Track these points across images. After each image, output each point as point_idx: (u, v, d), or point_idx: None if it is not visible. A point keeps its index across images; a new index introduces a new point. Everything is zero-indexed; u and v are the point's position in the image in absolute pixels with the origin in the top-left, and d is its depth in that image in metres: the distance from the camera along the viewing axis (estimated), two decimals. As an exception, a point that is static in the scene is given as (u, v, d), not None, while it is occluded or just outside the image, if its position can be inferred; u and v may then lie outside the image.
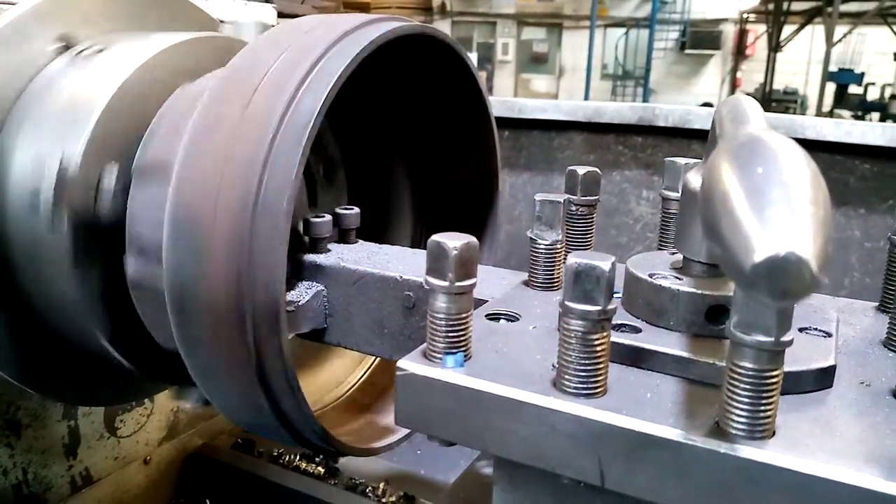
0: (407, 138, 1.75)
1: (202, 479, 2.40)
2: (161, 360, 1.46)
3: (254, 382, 1.15)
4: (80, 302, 1.34)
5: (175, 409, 2.35)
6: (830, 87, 19.80)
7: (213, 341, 1.14)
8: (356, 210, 1.45)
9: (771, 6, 22.08)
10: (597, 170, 1.14)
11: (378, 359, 1.76)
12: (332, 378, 1.76)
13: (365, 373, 1.79)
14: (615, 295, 0.92)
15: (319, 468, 2.37)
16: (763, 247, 0.47)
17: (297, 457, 2.41)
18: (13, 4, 1.50)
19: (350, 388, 1.77)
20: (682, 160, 1.09)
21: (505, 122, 3.67)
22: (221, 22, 1.92)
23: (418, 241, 1.83)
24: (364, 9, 22.17)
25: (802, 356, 0.79)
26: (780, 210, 0.48)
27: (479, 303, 1.05)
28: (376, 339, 1.30)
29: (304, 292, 1.32)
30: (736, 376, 0.65)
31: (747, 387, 0.65)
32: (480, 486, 1.06)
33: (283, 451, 2.43)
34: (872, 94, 20.67)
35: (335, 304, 1.33)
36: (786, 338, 0.63)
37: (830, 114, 19.68)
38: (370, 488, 2.30)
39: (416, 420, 0.81)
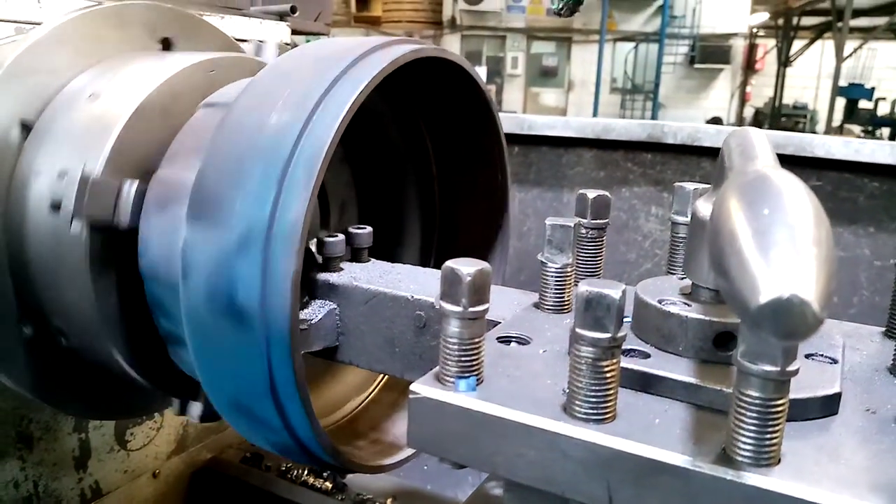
0: (417, 156, 1.77)
1: (210, 492, 2.41)
2: (174, 375, 1.48)
3: (266, 399, 1.17)
4: (94, 315, 1.36)
5: (184, 423, 2.36)
6: (840, 102, 19.78)
7: (226, 359, 1.16)
8: (369, 229, 1.47)
9: (781, 21, 22.12)
10: (607, 193, 1.15)
11: (387, 376, 1.77)
12: (342, 395, 1.77)
13: (374, 390, 1.80)
14: (625, 319, 0.94)
15: (327, 483, 2.38)
16: (767, 288, 0.48)
17: (305, 472, 2.42)
18: (38, 24, 1.53)
19: (360, 405, 1.78)
20: (691, 185, 1.10)
21: (514, 139, 3.70)
22: (240, 41, 1.96)
23: (428, 259, 1.84)
24: (375, 23, 22.31)
25: (808, 383, 0.80)
26: (784, 251, 0.50)
27: (491, 324, 1.07)
28: (387, 357, 1.31)
29: (316, 311, 1.33)
30: (742, 404, 0.66)
31: (753, 415, 0.66)
32: (490, 508, 1.08)
33: (291, 465, 2.44)
34: (883, 109, 20.63)
35: (347, 322, 1.34)
36: (791, 367, 0.64)
37: (840, 129, 19.67)
38: (378, 504, 2.31)
39: (428, 443, 0.82)
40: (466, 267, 0.80)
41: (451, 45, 22.93)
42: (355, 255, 1.45)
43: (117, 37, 1.59)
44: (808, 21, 21.88)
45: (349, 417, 1.76)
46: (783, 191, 0.55)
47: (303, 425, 1.19)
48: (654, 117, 21.28)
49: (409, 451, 1.51)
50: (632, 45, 23.26)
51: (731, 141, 0.79)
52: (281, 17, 2.46)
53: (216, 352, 1.15)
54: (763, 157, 0.70)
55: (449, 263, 0.81)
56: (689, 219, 1.08)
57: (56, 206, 1.33)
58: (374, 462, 1.47)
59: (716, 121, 21.42)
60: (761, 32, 23.77)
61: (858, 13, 18.47)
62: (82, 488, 2.05)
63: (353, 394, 1.80)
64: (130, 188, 1.33)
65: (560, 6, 1.83)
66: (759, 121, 22.34)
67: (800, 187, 0.56)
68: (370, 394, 1.82)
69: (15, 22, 1.66)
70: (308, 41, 2.53)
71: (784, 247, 0.50)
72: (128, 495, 2.20)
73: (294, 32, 2.57)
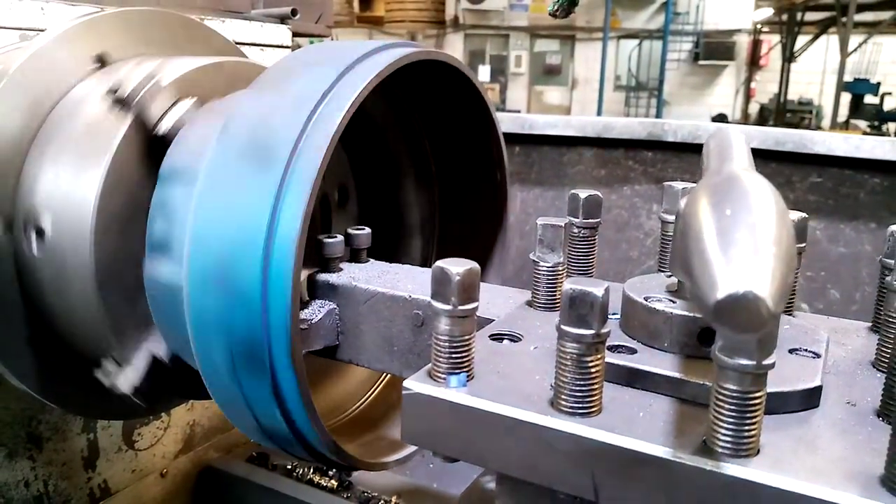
0: (417, 157, 1.80)
1: (217, 491, 2.44)
2: (179, 375, 1.51)
3: (268, 398, 1.20)
4: (99, 314, 1.39)
5: (191, 423, 2.40)
6: (846, 98, 19.70)
7: (228, 358, 1.19)
8: (367, 230, 1.49)
9: (785, 16, 22.06)
10: (598, 193, 1.18)
11: (389, 375, 1.80)
12: (344, 393, 1.80)
13: (377, 388, 1.83)
14: (613, 316, 0.96)
15: (332, 482, 2.41)
16: (725, 284, 0.51)
17: (311, 470, 2.44)
18: (42, 31, 1.56)
19: (362, 403, 1.81)
20: (679, 184, 1.12)
21: (515, 138, 3.72)
22: (240, 45, 1.99)
23: (429, 258, 1.87)
24: (378, 23, 22.33)
25: (790, 377, 0.82)
26: (743, 250, 0.52)
27: (485, 321, 1.09)
28: (386, 356, 1.34)
29: (316, 311, 1.36)
30: (721, 397, 0.69)
31: (732, 407, 0.69)
32: (485, 501, 1.10)
33: (296, 464, 2.46)
34: (889, 104, 20.53)
35: (347, 322, 1.37)
36: (767, 361, 0.66)
37: (846, 124, 19.61)
38: (382, 502, 2.34)
39: (421, 437, 0.85)
40: (455, 266, 0.82)
41: (455, 45, 22.93)
42: (354, 256, 1.48)
43: (120, 43, 1.62)
44: (812, 16, 21.80)
45: (352, 415, 1.79)
46: (749, 192, 0.58)
47: (304, 422, 1.22)
48: (658, 115, 21.25)
49: (410, 449, 1.54)
50: (635, 42, 23.22)
51: (711, 142, 0.82)
52: (282, 19, 2.49)
53: (217, 346, 1.18)
54: (738, 158, 0.72)
55: (439, 263, 0.84)
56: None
57: (114, 91, 1.38)
58: (377, 459, 1.49)
59: (721, 117, 21.38)
60: (765, 28, 23.69)
61: (863, 8, 18.41)
62: (91, 487, 2.08)
63: (356, 392, 1.83)
64: (186, 104, 1.42)
65: (555, 7, 1.86)
66: (764, 117, 22.30)
67: (766, 189, 0.58)
68: (373, 392, 1.85)
69: (19, 29, 1.69)
70: (312, 42, 2.56)
71: (743, 245, 0.53)
72: (136, 494, 2.23)
73: (295, 35, 2.59)
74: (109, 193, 1.36)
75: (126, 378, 1.43)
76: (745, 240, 0.53)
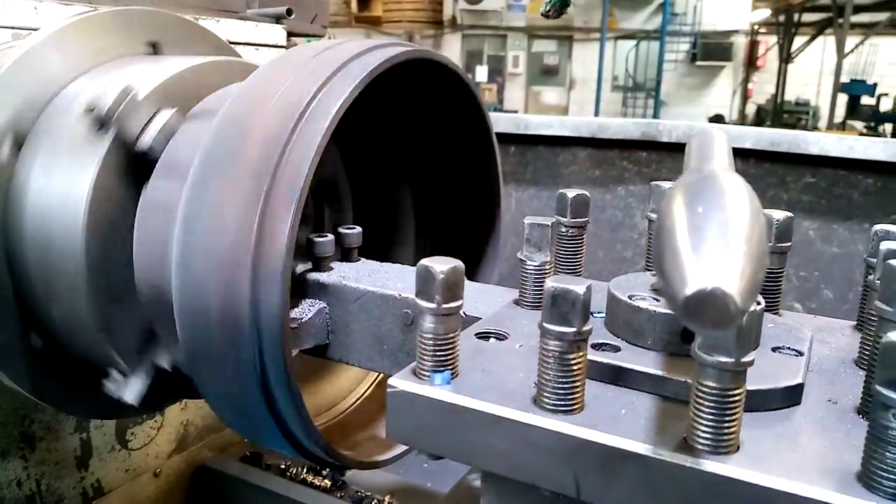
0: (410, 156, 1.80)
1: (211, 491, 2.45)
2: (171, 375, 1.51)
3: (259, 397, 1.20)
4: (87, 305, 1.39)
5: (185, 423, 2.40)
6: (842, 99, 19.74)
7: (219, 358, 1.19)
8: (358, 229, 1.50)
9: (782, 17, 22.10)
10: (586, 192, 1.18)
11: (380, 374, 1.80)
12: (336, 392, 1.80)
13: (369, 387, 1.84)
14: (599, 315, 0.97)
15: (326, 481, 2.41)
16: (694, 281, 0.52)
17: (304, 470, 2.45)
18: (35, 30, 1.57)
19: (354, 402, 1.81)
20: (666, 184, 1.13)
21: (511, 138, 3.73)
22: (235, 44, 1.99)
23: (423, 257, 1.87)
24: (375, 22, 22.33)
25: (772, 374, 0.83)
26: (713, 247, 0.53)
27: (473, 320, 1.10)
28: (376, 355, 1.34)
29: (307, 310, 1.37)
30: (701, 394, 0.69)
31: (711, 404, 0.69)
32: (471, 498, 1.11)
33: (290, 464, 2.47)
34: (885, 105, 20.56)
35: (337, 321, 1.37)
36: (746, 358, 0.67)
37: (843, 125, 19.64)
38: (376, 501, 2.34)
39: (406, 434, 0.86)
40: (440, 265, 0.83)
41: (452, 45, 22.93)
42: (345, 255, 1.48)
43: (114, 42, 1.62)
44: (809, 17, 21.85)
45: (345, 415, 1.79)
46: (723, 190, 0.58)
47: (296, 422, 1.23)
48: (655, 115, 21.26)
49: (403, 448, 1.54)
50: (633, 42, 23.23)
51: (693, 141, 0.83)
52: (277, 19, 2.50)
53: (208, 346, 1.18)
54: (718, 158, 0.73)
55: (423, 262, 0.84)
56: (664, 217, 1.11)
57: (91, 110, 1.37)
58: (369, 458, 1.50)
59: (718, 118, 21.39)
60: (762, 29, 23.72)
61: (859, 9, 18.45)
62: (84, 487, 2.08)
63: (348, 391, 1.83)
64: (165, 115, 1.39)
65: (547, 8, 1.87)
66: (761, 117, 22.33)
67: (740, 188, 0.59)
68: (365, 391, 1.85)
69: (12, 28, 1.69)
70: (309, 41, 2.56)
71: (714, 243, 0.53)
72: (129, 494, 2.23)
73: (290, 34, 2.60)
74: (98, 202, 1.37)
75: (132, 390, 1.45)
76: (715, 237, 0.53)
